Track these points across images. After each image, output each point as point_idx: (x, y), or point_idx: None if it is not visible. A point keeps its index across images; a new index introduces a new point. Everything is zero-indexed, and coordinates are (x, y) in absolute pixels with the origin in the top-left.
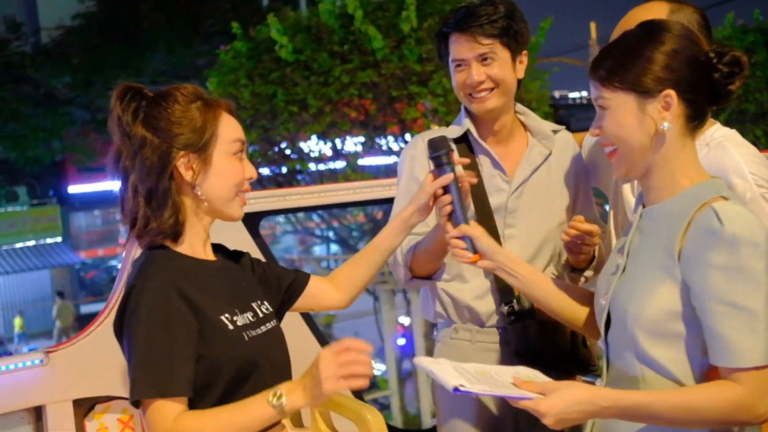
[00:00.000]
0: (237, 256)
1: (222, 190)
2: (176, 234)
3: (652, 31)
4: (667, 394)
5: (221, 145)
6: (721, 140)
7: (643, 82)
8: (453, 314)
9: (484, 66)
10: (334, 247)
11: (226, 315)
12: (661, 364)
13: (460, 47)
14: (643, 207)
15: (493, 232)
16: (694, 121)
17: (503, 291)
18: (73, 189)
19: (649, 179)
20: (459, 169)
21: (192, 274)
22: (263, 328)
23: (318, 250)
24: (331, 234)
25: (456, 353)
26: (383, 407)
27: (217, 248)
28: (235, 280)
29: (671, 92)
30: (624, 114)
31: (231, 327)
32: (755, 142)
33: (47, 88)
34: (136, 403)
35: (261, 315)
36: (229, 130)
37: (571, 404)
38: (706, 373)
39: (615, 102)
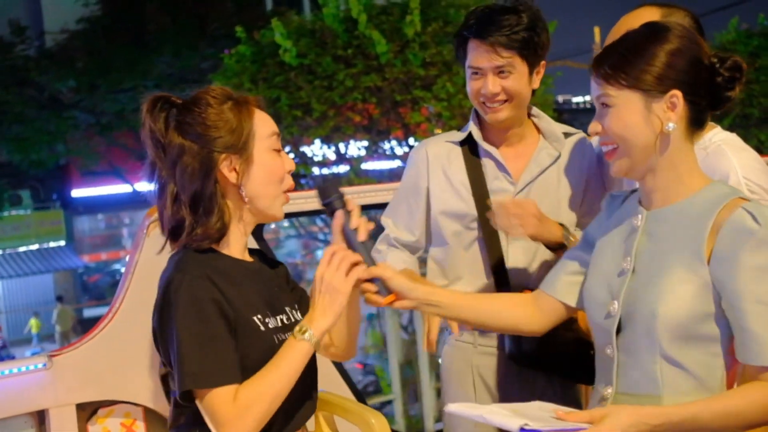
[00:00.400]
0: (273, 263)
1: (267, 188)
2: (221, 237)
3: (658, 31)
4: (709, 403)
5: (260, 141)
6: (719, 144)
7: (649, 81)
8: None
9: (500, 78)
10: None
11: (259, 316)
12: (686, 366)
13: (478, 56)
14: (646, 209)
15: (494, 235)
16: (696, 124)
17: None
18: (77, 193)
19: (653, 181)
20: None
21: (227, 272)
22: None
23: (321, 254)
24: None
25: (460, 355)
26: (386, 412)
27: (254, 252)
28: (270, 284)
29: (677, 92)
30: (629, 112)
31: (263, 328)
32: (759, 147)
33: (51, 92)
34: (184, 394)
35: (293, 320)
36: (264, 125)
37: (627, 427)
38: (729, 372)
39: (620, 100)
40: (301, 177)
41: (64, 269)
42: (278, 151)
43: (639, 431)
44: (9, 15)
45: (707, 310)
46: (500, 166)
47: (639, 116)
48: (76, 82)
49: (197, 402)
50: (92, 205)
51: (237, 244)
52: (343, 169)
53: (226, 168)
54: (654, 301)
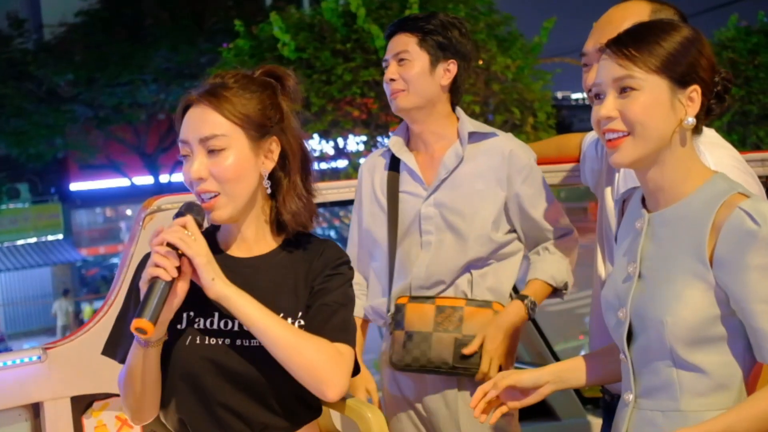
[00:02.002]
0: (318, 263)
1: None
2: (214, 226)
3: (684, 26)
4: (740, 411)
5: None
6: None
7: (680, 70)
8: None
9: (399, 65)
10: None
11: (192, 312)
12: (703, 368)
13: (387, 48)
14: (648, 212)
15: (392, 245)
16: (698, 124)
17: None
18: (75, 186)
19: (659, 178)
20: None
21: None
22: (244, 342)
23: None
24: (332, 233)
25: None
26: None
27: (291, 248)
28: (255, 284)
29: (698, 87)
30: (655, 97)
31: (181, 326)
32: (758, 144)
33: (50, 85)
34: None
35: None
36: (183, 130)
37: None
38: (749, 370)
39: (647, 83)
40: None
41: (62, 263)
42: (187, 159)
43: None
44: (7, 8)
45: (715, 312)
46: (413, 173)
47: (665, 103)
48: (74, 75)
49: None
50: (90, 199)
51: (227, 238)
52: (341, 163)
53: None
54: (661, 309)
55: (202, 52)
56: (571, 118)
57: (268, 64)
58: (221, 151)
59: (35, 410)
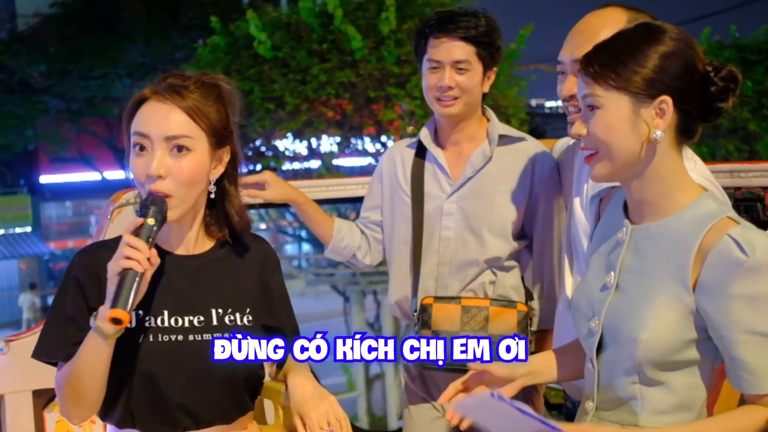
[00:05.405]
0: (264, 260)
1: (139, 189)
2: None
3: (653, 31)
4: (700, 427)
5: (132, 138)
6: None
7: (639, 83)
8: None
9: (457, 73)
10: (306, 247)
11: (140, 311)
12: (669, 388)
13: (438, 49)
14: (632, 223)
15: (418, 240)
16: (685, 135)
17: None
18: (45, 179)
19: (641, 191)
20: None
21: None
22: (196, 336)
23: (290, 248)
24: (303, 233)
25: None
26: (350, 409)
27: (233, 245)
28: (203, 278)
29: (668, 98)
30: (616, 115)
31: (130, 324)
32: (727, 157)
33: (22, 76)
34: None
35: (215, 323)
36: (137, 122)
37: None
38: (711, 392)
39: (608, 101)
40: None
41: (30, 255)
42: (138, 152)
43: None
44: None
45: (690, 336)
46: (441, 168)
47: (626, 121)
48: (47, 67)
49: None
50: (60, 192)
51: (167, 236)
52: (314, 164)
53: None
54: (636, 326)
55: (177, 47)
56: (544, 126)
57: (243, 61)
58: (186, 153)
59: None
